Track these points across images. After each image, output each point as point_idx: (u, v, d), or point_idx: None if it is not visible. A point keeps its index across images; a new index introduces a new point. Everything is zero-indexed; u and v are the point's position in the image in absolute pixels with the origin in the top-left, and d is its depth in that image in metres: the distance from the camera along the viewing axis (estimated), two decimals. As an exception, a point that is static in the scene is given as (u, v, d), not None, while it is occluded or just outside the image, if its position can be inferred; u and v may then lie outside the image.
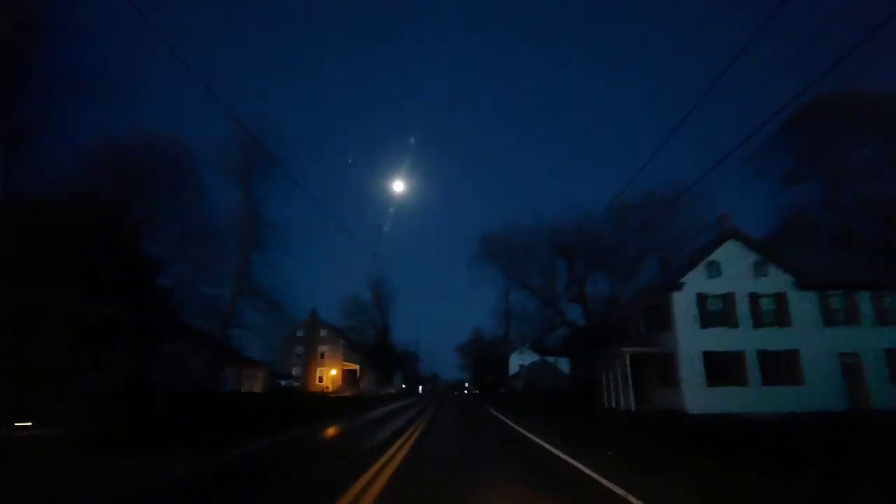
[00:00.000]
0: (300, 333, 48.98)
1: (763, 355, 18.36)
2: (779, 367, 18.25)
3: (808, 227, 29.50)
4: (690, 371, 18.16)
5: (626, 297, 25.21)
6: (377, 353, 65.12)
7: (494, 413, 23.09)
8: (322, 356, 48.30)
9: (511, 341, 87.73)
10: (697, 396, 17.83)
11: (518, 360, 68.26)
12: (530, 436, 11.96)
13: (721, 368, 18.26)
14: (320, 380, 47.74)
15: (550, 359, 61.79)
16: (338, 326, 53.68)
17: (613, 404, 21.64)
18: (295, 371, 47.84)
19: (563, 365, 64.74)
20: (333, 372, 46.95)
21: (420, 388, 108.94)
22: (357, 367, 48.51)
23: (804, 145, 28.46)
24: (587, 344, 25.67)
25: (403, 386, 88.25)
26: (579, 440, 10.65)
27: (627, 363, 20.00)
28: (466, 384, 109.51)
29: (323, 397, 37.32)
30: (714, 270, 19.32)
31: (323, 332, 49.15)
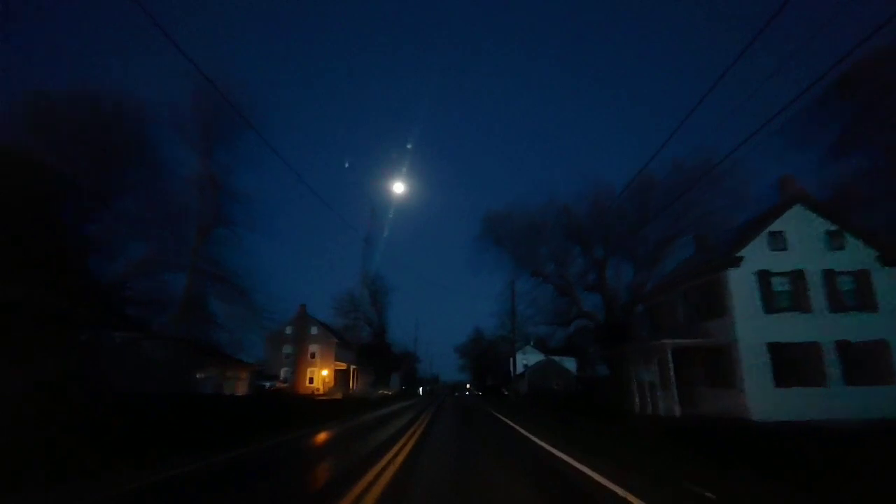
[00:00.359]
0: (288, 331, 45.27)
1: (844, 347, 14.62)
2: (864, 361, 14.52)
3: (861, 203, 25.74)
4: (753, 368, 14.40)
5: (651, 284, 21.51)
6: (373, 352, 61.41)
7: (501, 418, 19.33)
8: (312, 356, 44.59)
9: (515, 339, 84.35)
10: (763, 400, 14.08)
11: (522, 360, 64.50)
12: (564, 456, 8.19)
13: (791, 364, 14.49)
14: (311, 381, 43.99)
15: (556, 358, 58.07)
16: (330, 324, 49.98)
17: (648, 409, 17.90)
18: (283, 372, 44.13)
19: (569, 364, 61.08)
20: (324, 372, 43.23)
21: (421, 389, 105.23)
22: (350, 367, 44.77)
23: (859, 108, 24.72)
24: (608, 338, 21.95)
25: (404, 387, 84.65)
26: (642, 466, 6.98)
27: (670, 358, 16.24)
28: (468, 385, 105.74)
29: (311, 400, 33.68)
30: (778, 242, 15.57)
31: (313, 330, 45.43)
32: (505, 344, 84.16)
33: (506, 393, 49.94)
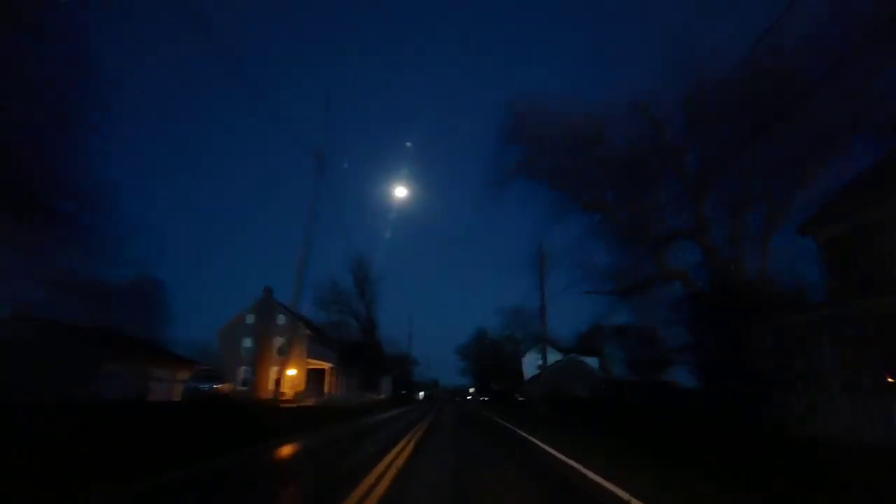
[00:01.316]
0: (250, 320, 36.44)
1: None
2: None
3: None
4: None
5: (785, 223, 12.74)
6: (359, 351, 52.54)
7: (538, 444, 10.23)
8: (279, 351, 35.72)
9: (520, 341, 75.14)
10: None
11: (536, 361, 55.46)
12: None
13: None
14: (277, 383, 35.10)
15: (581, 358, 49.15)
16: (303, 315, 41.11)
17: (829, 427, 9.10)
18: (242, 372, 35.25)
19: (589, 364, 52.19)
20: (292, 372, 34.37)
21: (421, 394, 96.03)
22: (328, 366, 35.86)
23: None
24: (715, 308, 13.17)
25: (404, 392, 75.49)
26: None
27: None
28: (470, 390, 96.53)
29: (268, 409, 24.88)
30: None
31: (280, 319, 36.55)
32: (510, 344, 75.23)
33: (520, 399, 40.94)
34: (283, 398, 33.52)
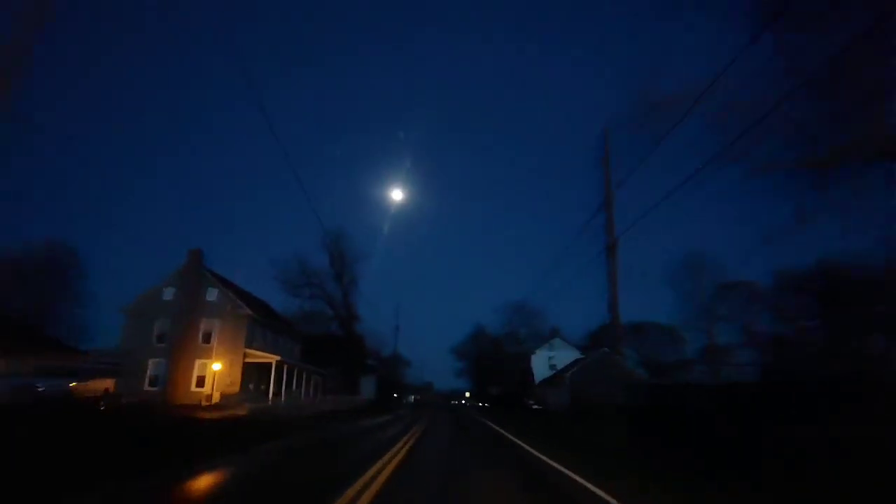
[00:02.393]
0: (169, 296, 26.44)
1: None
2: None
3: None
4: None
5: None
6: (334, 345, 42.66)
7: None
8: (207, 338, 25.78)
9: (523, 340, 64.62)
10: None
11: (547, 359, 45.75)
12: None
13: None
14: (201, 382, 25.15)
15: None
16: (244, 289, 31.29)
17: None
18: (153, 365, 25.23)
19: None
20: (217, 367, 24.36)
21: (413, 398, 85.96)
22: (276, 359, 25.90)
23: None
24: None
25: (395, 395, 65.47)
26: None
27: None
28: (467, 393, 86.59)
29: (153, 423, 15.27)
30: None
31: (212, 294, 26.60)
32: (511, 343, 65.21)
33: (534, 406, 30.94)
34: (209, 404, 23.69)
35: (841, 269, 18.81)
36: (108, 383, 18.63)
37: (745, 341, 37.89)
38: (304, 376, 33.50)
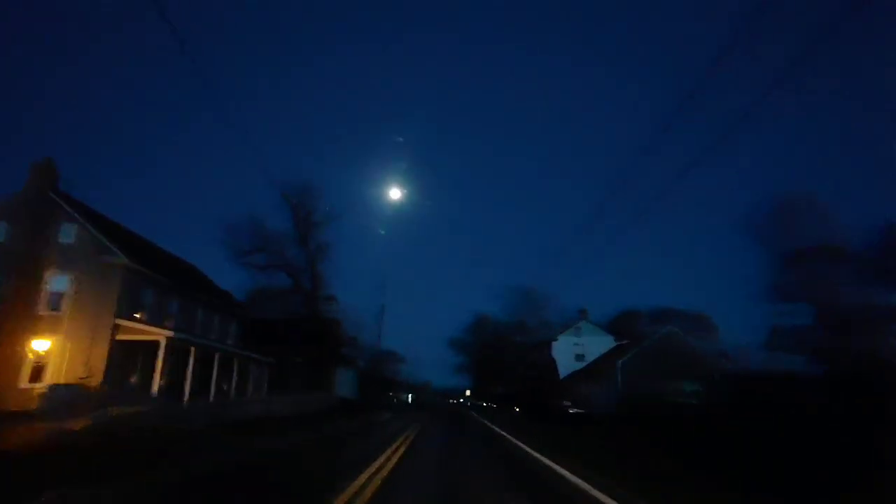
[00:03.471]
0: (3, 235, 16.61)
1: None
2: None
3: None
4: None
5: None
6: (294, 330, 32.89)
7: None
8: (55, 304, 16.05)
9: (531, 330, 54.01)
10: None
11: (572, 342, 36.00)
12: None
13: None
14: (38, 374, 15.44)
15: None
16: (127, 228, 21.48)
17: None
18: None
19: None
20: (45, 345, 14.54)
21: (410, 396, 76.30)
22: (168, 334, 16.12)
23: None
24: None
25: (389, 392, 55.55)
26: None
27: None
28: (467, 392, 77.00)
29: None
30: None
31: (69, 232, 16.81)
32: (517, 332, 55.38)
33: (571, 410, 21.18)
34: (29, 409, 14.02)
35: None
36: None
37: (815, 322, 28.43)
38: (251, 368, 23.82)
